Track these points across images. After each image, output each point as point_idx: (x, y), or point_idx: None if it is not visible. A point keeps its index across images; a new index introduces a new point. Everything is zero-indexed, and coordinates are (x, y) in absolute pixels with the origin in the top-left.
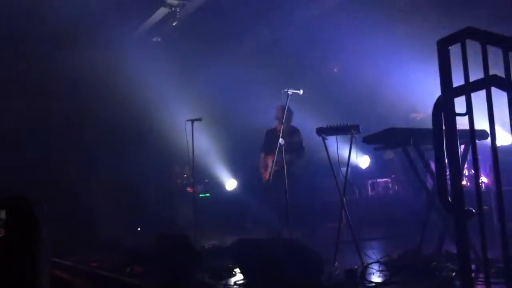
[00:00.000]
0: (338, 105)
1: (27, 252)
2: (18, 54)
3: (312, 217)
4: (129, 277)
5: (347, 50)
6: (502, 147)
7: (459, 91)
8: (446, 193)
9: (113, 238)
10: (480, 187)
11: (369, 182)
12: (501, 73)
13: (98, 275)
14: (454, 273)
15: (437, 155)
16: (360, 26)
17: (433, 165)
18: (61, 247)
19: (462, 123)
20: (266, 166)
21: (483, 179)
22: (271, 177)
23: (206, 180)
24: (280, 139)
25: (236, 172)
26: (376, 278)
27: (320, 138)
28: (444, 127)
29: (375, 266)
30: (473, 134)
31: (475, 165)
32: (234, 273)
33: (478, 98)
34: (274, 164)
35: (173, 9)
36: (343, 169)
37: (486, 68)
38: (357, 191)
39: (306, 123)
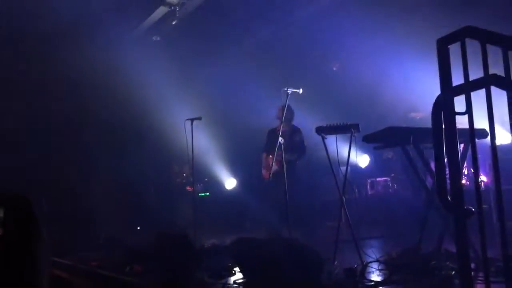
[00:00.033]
0: (337, 104)
1: (26, 252)
2: (18, 54)
3: (312, 216)
4: (128, 276)
5: (346, 49)
6: (501, 146)
7: (459, 90)
8: (445, 192)
9: (113, 237)
10: (480, 186)
11: (369, 181)
12: (500, 72)
13: (98, 274)
14: (453, 272)
15: (437, 154)
16: (360, 25)
17: (432, 164)
18: (61, 247)
19: (461, 122)
20: (268, 166)
21: (483, 178)
22: (271, 175)
23: (206, 179)
24: (280, 138)
25: (235, 171)
26: (375, 277)
27: (320, 137)
28: (443, 126)
29: (375, 265)
30: (472, 133)
31: (475, 164)
32: (233, 272)
33: (478, 97)
34: (273, 163)
35: (172, 8)
36: (343, 168)
37: (485, 67)
38: (356, 190)
39: (306, 122)
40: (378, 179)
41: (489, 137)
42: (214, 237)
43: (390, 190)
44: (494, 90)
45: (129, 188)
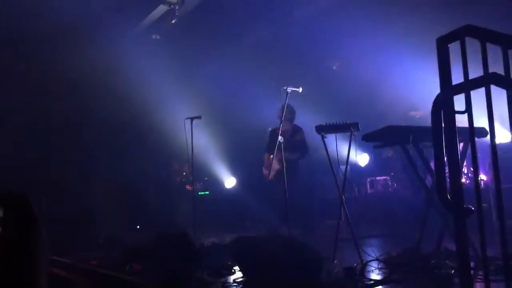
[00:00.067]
0: (337, 103)
1: (26, 252)
2: (18, 54)
3: (311, 215)
4: (128, 275)
5: (346, 47)
6: (501, 144)
7: (459, 88)
8: (445, 191)
9: (113, 237)
10: (479, 184)
11: (368, 180)
12: (500, 71)
13: (98, 273)
14: (453, 271)
15: (436, 153)
16: (360, 23)
17: (432, 163)
18: (61, 247)
19: (461, 120)
20: (270, 166)
21: (482, 177)
22: (270, 175)
23: (206, 178)
24: (279, 137)
25: (235, 170)
26: (375, 275)
27: (320, 136)
28: (443, 125)
29: (374, 264)
30: (472, 132)
31: (474, 163)
32: (233, 271)
33: (478, 96)
34: (275, 163)
35: (172, 6)
36: (342, 167)
37: (485, 66)
38: (356, 189)
39: (306, 121)
40: (377, 178)
41: (488, 136)
42: (213, 235)
43: (390, 189)
44: (493, 89)
45: (129, 187)
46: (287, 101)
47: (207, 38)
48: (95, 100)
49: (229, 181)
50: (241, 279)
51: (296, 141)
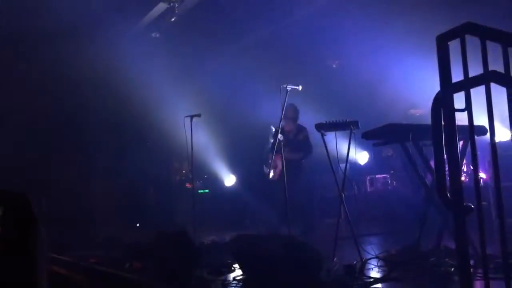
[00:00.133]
0: (337, 101)
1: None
2: (18, 54)
3: (311, 213)
4: (128, 272)
5: (346, 46)
6: (501, 143)
7: (458, 86)
8: (445, 189)
9: (113, 236)
10: (479, 183)
11: (368, 178)
12: (500, 68)
13: (97, 271)
14: (452, 269)
15: (436, 151)
16: (360, 22)
17: (432, 161)
18: (60, 246)
19: (461, 118)
20: (275, 166)
21: (482, 175)
22: (276, 174)
23: (205, 176)
24: (279, 135)
25: (235, 168)
26: (375, 273)
27: (319, 134)
28: (443, 123)
29: (374, 262)
30: (472, 130)
31: (474, 161)
32: (233, 269)
33: (477, 93)
34: (278, 163)
35: (172, 4)
36: (342, 165)
37: (485, 63)
38: (356, 187)
39: (305, 119)
40: (377, 176)
41: (488, 134)
42: (213, 233)
43: (390, 187)
44: (493, 87)
45: (128, 186)
46: (288, 100)
47: (207, 36)
48: (95, 100)
49: (229, 179)
50: (241, 277)
51: (299, 141)
